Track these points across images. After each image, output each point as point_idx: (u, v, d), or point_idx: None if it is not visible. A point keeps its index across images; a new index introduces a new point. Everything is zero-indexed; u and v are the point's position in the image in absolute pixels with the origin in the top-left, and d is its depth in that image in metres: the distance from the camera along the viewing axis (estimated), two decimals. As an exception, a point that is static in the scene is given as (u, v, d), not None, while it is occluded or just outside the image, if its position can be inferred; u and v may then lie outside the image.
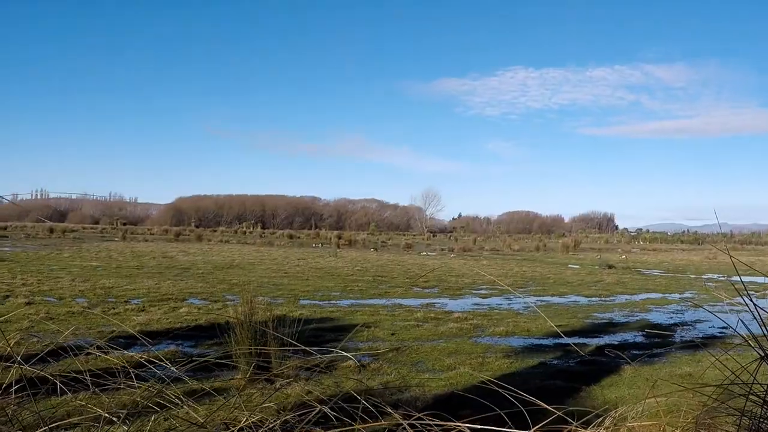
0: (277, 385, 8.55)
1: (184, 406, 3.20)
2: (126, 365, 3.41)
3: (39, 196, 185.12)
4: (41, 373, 3.23)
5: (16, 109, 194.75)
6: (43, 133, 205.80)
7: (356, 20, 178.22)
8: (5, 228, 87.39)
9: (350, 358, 10.21)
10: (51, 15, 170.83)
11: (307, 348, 3.51)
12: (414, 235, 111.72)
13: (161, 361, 3.58)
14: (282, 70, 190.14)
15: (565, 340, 13.13)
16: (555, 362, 11.27)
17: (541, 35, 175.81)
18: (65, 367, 3.40)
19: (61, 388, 3.17)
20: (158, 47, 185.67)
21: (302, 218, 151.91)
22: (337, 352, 3.67)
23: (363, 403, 2.80)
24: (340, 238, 68.58)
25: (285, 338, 8.61)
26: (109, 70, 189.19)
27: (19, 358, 3.16)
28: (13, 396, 3.21)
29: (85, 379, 3.29)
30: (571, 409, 2.79)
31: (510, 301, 19.85)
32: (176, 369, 3.49)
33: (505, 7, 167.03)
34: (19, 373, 3.19)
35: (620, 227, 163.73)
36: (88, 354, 3.70)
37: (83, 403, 3.29)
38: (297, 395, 8.02)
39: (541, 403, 2.74)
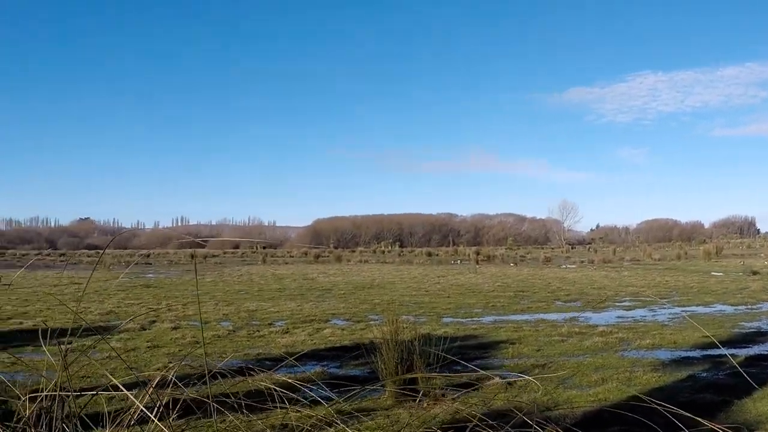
0: (424, 405, 8.50)
1: (334, 428, 3.17)
2: (273, 387, 3.39)
3: (180, 223, 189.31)
4: (193, 396, 3.24)
5: (156, 140, 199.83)
6: (183, 162, 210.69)
7: (482, 36, 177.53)
8: (148, 255, 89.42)
9: (496, 377, 10.14)
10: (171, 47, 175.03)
11: (451, 375, 3.45)
12: (552, 248, 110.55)
13: (309, 382, 3.55)
14: (408, 89, 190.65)
15: (722, 350, 12.77)
16: (704, 375, 10.96)
17: (668, 38, 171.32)
18: (216, 390, 3.41)
19: (218, 410, 3.18)
20: (287, 76, 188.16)
21: (439, 235, 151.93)
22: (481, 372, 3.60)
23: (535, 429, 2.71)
24: (478, 254, 68.26)
25: (431, 357, 8.58)
26: (242, 101, 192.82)
27: (172, 381, 3.17)
28: (172, 420, 3.23)
29: (238, 401, 3.29)
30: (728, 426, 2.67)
31: (654, 313, 19.46)
32: (321, 390, 3.47)
33: (627, 11, 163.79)
34: (170, 396, 3.20)
35: (762, 231, 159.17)
36: (237, 377, 3.71)
37: (238, 424, 3.29)
38: (444, 414, 7.95)
39: (701, 420, 2.62)
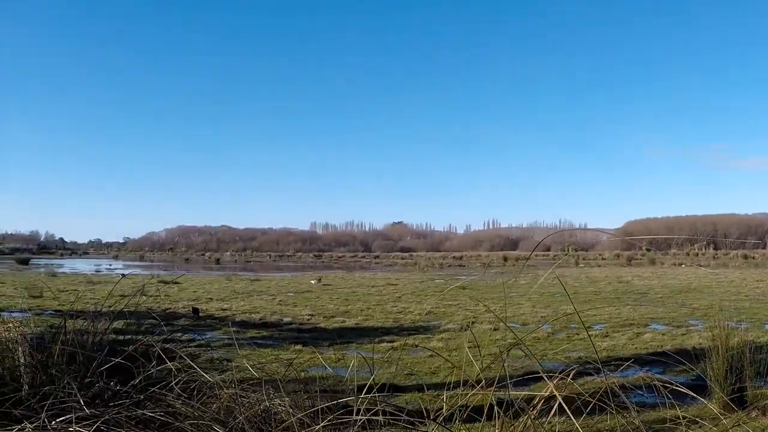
0: (752, 415, 8.25)
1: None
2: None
3: (491, 226, 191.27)
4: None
5: (463, 146, 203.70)
6: (494, 166, 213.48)
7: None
8: (461, 258, 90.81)
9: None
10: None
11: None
12: None
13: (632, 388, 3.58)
14: (725, 85, 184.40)
15: None
16: None
17: None
18: (539, 391, 3.47)
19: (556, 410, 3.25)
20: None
21: (755, 236, 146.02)
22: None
23: None
24: (799, 257, 65.24)
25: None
26: (547, 104, 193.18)
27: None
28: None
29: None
30: None
31: None
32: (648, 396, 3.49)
33: None
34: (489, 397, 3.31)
35: None
36: (562, 379, 3.75)
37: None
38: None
39: None
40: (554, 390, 3.25)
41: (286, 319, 19.07)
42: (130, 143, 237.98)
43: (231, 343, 13.71)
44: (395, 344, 14.34)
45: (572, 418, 3.11)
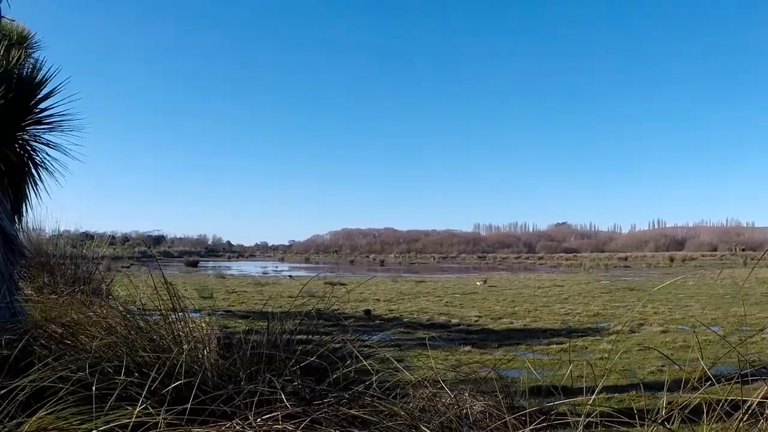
0: None
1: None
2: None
3: (656, 226, 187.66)
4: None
5: (623, 147, 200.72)
6: (660, 164, 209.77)
7: None
8: (626, 258, 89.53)
9: None
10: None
11: None
12: None
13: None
14: None
15: None
16: None
17: None
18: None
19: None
20: None
21: None
22: None
23: None
24: None
25: None
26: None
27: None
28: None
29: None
30: None
31: None
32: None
33: None
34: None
35: None
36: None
37: None
38: None
39: None
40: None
41: (453, 321, 19.23)
42: (294, 148, 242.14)
43: (401, 344, 13.95)
44: (564, 346, 14.36)
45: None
